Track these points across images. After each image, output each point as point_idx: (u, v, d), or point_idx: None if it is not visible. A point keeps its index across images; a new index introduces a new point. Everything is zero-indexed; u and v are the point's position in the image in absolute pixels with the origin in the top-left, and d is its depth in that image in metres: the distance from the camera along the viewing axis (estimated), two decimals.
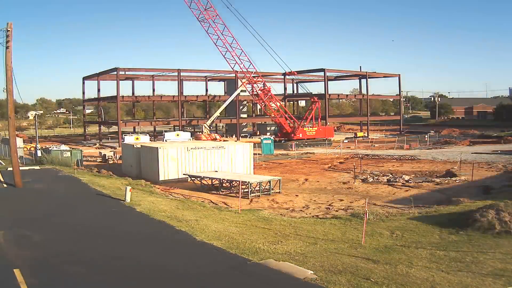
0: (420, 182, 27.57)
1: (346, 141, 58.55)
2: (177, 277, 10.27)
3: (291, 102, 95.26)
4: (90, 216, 17.05)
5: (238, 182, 23.76)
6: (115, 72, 63.16)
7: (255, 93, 57.93)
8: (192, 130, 70.40)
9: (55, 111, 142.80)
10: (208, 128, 62.50)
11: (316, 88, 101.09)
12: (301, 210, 20.31)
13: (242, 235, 13.89)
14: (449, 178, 28.58)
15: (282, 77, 79.65)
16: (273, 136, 58.65)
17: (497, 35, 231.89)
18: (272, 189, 24.78)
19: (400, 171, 32.31)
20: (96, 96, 74.24)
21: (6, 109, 28.26)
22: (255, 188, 24.36)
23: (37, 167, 33.98)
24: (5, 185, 24.92)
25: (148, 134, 58.52)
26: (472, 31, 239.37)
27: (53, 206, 19.13)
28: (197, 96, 77.23)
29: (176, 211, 18.07)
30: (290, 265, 10.75)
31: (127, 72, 70.32)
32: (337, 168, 35.61)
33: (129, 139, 49.51)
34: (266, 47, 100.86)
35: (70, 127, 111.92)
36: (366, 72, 79.44)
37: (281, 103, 65.18)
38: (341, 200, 22.52)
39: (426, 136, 60.95)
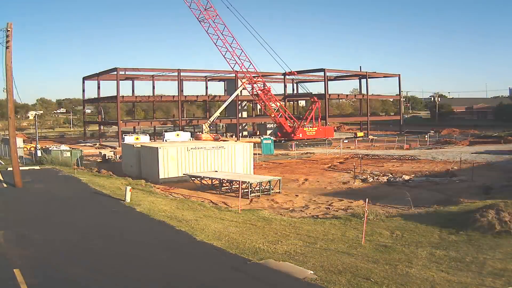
0: (420, 182, 27.57)
1: (346, 141, 58.53)
2: (177, 277, 10.27)
3: (291, 102, 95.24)
4: (90, 216, 17.05)
5: (238, 182, 23.76)
6: (115, 72, 63.16)
7: (255, 93, 57.90)
8: (192, 130, 70.40)
9: (55, 111, 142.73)
10: (208, 128, 62.48)
11: (316, 88, 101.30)
12: (301, 210, 20.31)
13: (242, 235, 13.89)
14: (449, 178, 28.59)
15: (282, 77, 79.65)
16: (273, 136, 58.63)
17: (497, 35, 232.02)
18: (272, 189, 24.79)
19: (400, 171, 32.31)
20: (96, 96, 74.29)
21: (6, 109, 28.24)
22: (255, 188, 24.37)
23: (37, 167, 33.99)
24: (5, 185, 24.92)
25: (148, 134, 58.53)
26: (472, 31, 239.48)
27: (53, 206, 19.14)
28: (197, 96, 77.23)
29: (176, 211, 18.07)
30: (290, 265, 10.76)
31: (127, 72, 70.31)
32: (337, 168, 35.61)
33: (129, 139, 49.54)
34: (266, 47, 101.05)
35: (70, 127, 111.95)
36: (366, 72, 79.44)
37: (281, 103, 65.15)
38: (341, 200, 22.51)
39: (426, 136, 60.95)
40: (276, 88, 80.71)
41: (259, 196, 23.80)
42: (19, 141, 41.08)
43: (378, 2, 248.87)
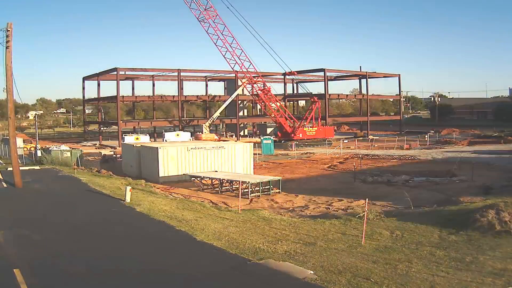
0: (420, 182, 27.57)
1: (346, 141, 58.58)
2: (177, 277, 10.27)
3: (291, 102, 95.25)
4: (90, 216, 17.04)
5: (238, 182, 23.76)
6: (115, 72, 63.19)
7: (255, 93, 57.91)
8: (192, 130, 70.42)
9: (55, 111, 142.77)
10: (208, 128, 62.48)
11: (316, 88, 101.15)
12: (301, 210, 20.31)
13: (242, 235, 13.89)
14: (449, 178, 28.59)
15: (282, 77, 79.66)
16: (273, 136, 58.64)
17: (497, 35, 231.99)
18: (272, 189, 24.79)
19: (400, 171, 32.31)
20: (96, 96, 74.30)
21: (6, 109, 28.25)
22: (255, 188, 24.37)
23: (37, 167, 34.00)
24: (5, 185, 24.92)
25: (148, 134, 58.53)
26: (472, 31, 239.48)
27: (53, 206, 19.14)
28: (197, 96, 77.24)
29: (176, 211, 18.07)
30: (290, 265, 10.75)
31: (127, 72, 70.35)
32: (337, 168, 35.61)
33: (129, 139, 49.55)
34: (266, 47, 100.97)
35: (70, 127, 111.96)
36: (366, 72, 79.45)
37: (281, 103, 65.16)
38: (341, 200, 22.51)
39: (426, 136, 60.94)
40: (276, 88, 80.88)
41: (259, 196, 23.80)
42: (19, 141, 41.12)
43: (378, 2, 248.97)
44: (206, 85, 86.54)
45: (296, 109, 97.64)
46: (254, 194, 23.79)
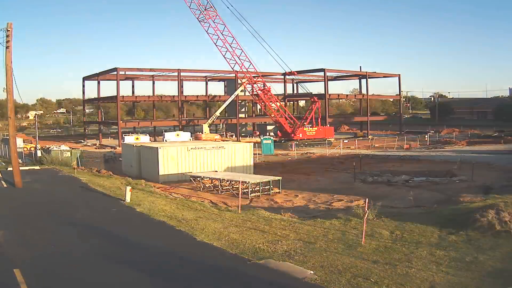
0: (420, 182, 27.56)
1: (346, 141, 58.60)
2: (177, 277, 10.28)
3: (291, 102, 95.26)
4: (90, 216, 17.05)
5: (238, 182, 23.77)
6: (115, 72, 63.21)
7: (255, 93, 57.91)
8: (192, 130, 70.43)
9: (55, 111, 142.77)
10: (208, 128, 62.49)
11: (316, 88, 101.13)
12: (301, 210, 20.30)
13: (242, 235, 13.89)
14: (449, 178, 28.58)
15: (282, 77, 79.68)
16: (273, 136, 58.64)
17: (497, 35, 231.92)
18: (272, 189, 24.79)
19: (400, 171, 32.30)
20: (96, 96, 74.30)
21: (6, 109, 28.26)
22: (255, 188, 24.37)
23: (37, 167, 34.01)
24: (5, 185, 24.93)
25: (148, 134, 58.53)
26: (472, 31, 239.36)
27: (53, 206, 19.14)
28: (197, 96, 77.23)
29: (176, 211, 18.07)
30: (290, 265, 10.75)
31: (127, 72, 70.37)
32: (337, 168, 35.61)
33: (129, 139, 49.54)
34: (266, 47, 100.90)
35: (70, 127, 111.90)
36: (366, 72, 79.44)
37: (281, 103, 65.16)
38: (341, 200, 22.52)
39: (426, 136, 60.94)
40: (276, 88, 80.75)
41: (259, 196, 23.80)
42: (19, 141, 41.11)
43: (378, 2, 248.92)
44: (206, 85, 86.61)
45: (296, 109, 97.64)
46: (254, 194, 23.79)
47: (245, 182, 24.37)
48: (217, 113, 64.47)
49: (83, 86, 76.97)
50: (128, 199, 19.61)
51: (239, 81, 64.26)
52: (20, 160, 29.76)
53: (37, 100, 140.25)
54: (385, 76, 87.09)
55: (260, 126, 77.01)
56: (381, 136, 70.02)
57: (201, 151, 30.65)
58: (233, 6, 52.52)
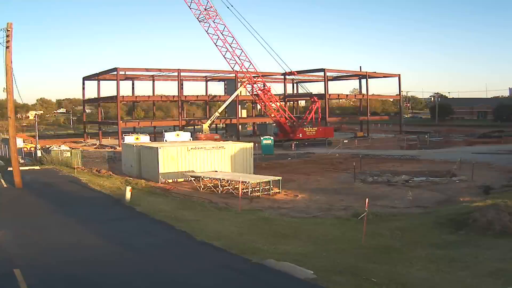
0: (420, 182, 27.57)
1: (346, 141, 58.58)
2: (177, 277, 10.27)
3: (291, 102, 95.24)
4: (90, 216, 17.06)
5: (238, 182, 23.76)
6: (115, 72, 63.17)
7: (255, 93, 57.89)
8: (192, 130, 70.41)
9: (55, 111, 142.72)
10: (208, 128, 62.45)
11: (316, 88, 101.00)
12: (301, 210, 20.31)
13: (242, 235, 13.90)
14: (449, 178, 28.59)
15: (282, 77, 79.61)
16: (273, 136, 58.60)
17: (497, 35, 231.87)
18: (272, 189, 24.79)
19: (400, 171, 32.30)
20: (96, 96, 74.28)
21: (6, 109, 28.26)
22: (255, 188, 24.37)
23: (37, 167, 34.03)
24: (5, 185, 24.93)
25: (148, 134, 58.50)
26: (472, 31, 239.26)
27: (53, 206, 19.15)
28: (197, 96, 77.18)
29: (176, 211, 18.08)
30: (290, 265, 10.74)
31: (127, 72, 70.32)
32: (337, 168, 35.61)
33: (129, 139, 49.52)
34: (266, 47, 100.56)
35: (70, 127, 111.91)
36: (366, 72, 79.40)
37: (281, 103, 65.16)
38: (341, 200, 22.52)
39: (426, 136, 60.94)
40: (276, 88, 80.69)
41: (259, 196, 23.79)
42: (19, 141, 41.12)
43: (378, 2, 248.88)
44: (206, 85, 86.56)
45: (296, 109, 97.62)
46: (254, 194, 23.78)
47: (245, 182, 24.36)
48: (217, 113, 64.46)
49: (83, 86, 76.96)
50: (128, 199, 19.61)
51: (239, 81, 64.23)
52: (20, 159, 29.75)
53: (37, 100, 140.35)
54: (385, 76, 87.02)
55: (260, 126, 76.96)
56: (381, 136, 69.98)
57: (201, 151, 30.64)
58: (233, 6, 52.23)
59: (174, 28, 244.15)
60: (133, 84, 79.70)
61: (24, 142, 51.90)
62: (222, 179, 25.92)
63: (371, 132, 75.73)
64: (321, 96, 71.87)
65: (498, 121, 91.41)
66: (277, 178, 25.85)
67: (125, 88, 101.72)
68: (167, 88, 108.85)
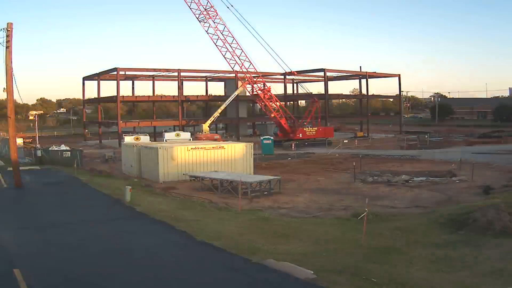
0: (420, 182, 27.57)
1: (346, 141, 58.58)
2: (177, 277, 10.28)
3: (291, 102, 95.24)
4: (90, 216, 17.06)
5: (238, 182, 23.76)
6: (115, 72, 63.19)
7: (255, 93, 57.89)
8: (192, 130, 70.39)
9: (55, 111, 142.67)
10: (208, 128, 62.44)
11: (316, 88, 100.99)
12: (301, 210, 20.31)
13: (242, 235, 13.90)
14: (449, 178, 28.59)
15: (282, 77, 79.63)
16: (273, 136, 58.60)
17: (497, 35, 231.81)
18: (272, 189, 24.79)
19: (400, 171, 32.30)
20: (96, 96, 74.29)
21: (6, 109, 28.24)
22: (255, 188, 24.37)
23: (37, 167, 34.03)
24: (5, 185, 24.94)
25: (148, 134, 58.50)
26: (472, 31, 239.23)
27: (53, 206, 19.16)
28: (197, 96, 77.18)
29: (176, 211, 18.08)
30: (290, 265, 10.74)
31: (127, 72, 70.33)
32: (337, 168, 35.60)
33: (129, 139, 49.48)
34: (266, 47, 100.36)
35: (70, 127, 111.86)
36: (366, 72, 79.44)
37: (281, 103, 65.14)
38: (341, 200, 22.52)
39: (426, 136, 60.93)
40: (276, 88, 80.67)
41: (259, 196, 23.78)
42: (19, 141, 41.11)
43: (378, 2, 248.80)
44: (206, 85, 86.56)
45: (296, 109, 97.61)
46: (254, 194, 23.78)
47: (245, 182, 24.36)
48: (217, 113, 64.43)
49: (83, 86, 77.01)
50: (128, 199, 19.62)
51: (239, 81, 64.19)
52: (20, 159, 29.74)
53: (37, 100, 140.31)
54: (385, 76, 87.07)
55: (260, 126, 76.96)
56: (381, 136, 69.97)
57: (201, 151, 30.65)
58: (233, 6, 52.24)
59: (174, 28, 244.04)
60: (133, 84, 79.76)
61: (24, 142, 51.87)
62: (222, 179, 25.92)
63: (371, 132, 75.74)
64: (321, 96, 71.87)
65: (498, 121, 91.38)
66: (277, 178, 25.86)
67: (125, 88, 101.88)
68: (167, 88, 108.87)
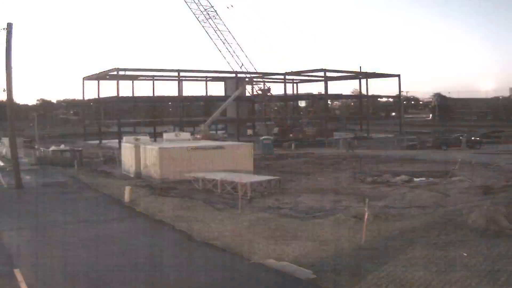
0: (420, 182, 27.55)
1: (347, 139, 58.62)
2: (177, 277, 10.29)
3: (291, 102, 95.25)
4: (90, 217, 17.07)
5: (238, 182, 23.74)
6: (115, 72, 63.21)
7: (255, 93, 57.96)
8: (192, 130, 70.41)
9: (55, 111, 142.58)
10: (208, 128, 62.48)
11: (316, 88, 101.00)
12: (301, 210, 20.29)
13: (242, 235, 13.90)
14: (448, 178, 28.58)
15: (282, 77, 79.68)
16: (273, 136, 58.66)
17: (497, 34, 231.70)
18: (272, 189, 24.78)
19: (400, 171, 32.28)
20: (96, 96, 74.33)
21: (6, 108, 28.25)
22: (255, 188, 24.34)
23: (37, 167, 34.02)
24: (5, 185, 24.94)
25: (148, 134, 58.49)
26: (472, 30, 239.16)
27: (53, 206, 19.16)
28: (197, 96, 77.18)
29: (175, 211, 18.08)
30: (290, 265, 10.76)
31: (127, 72, 70.38)
32: (337, 168, 35.59)
33: (129, 139, 49.47)
34: (266, 47, 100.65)
35: (70, 127, 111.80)
36: (366, 72, 79.47)
37: (281, 103, 65.23)
38: (341, 200, 22.49)
39: (425, 136, 60.95)
40: (276, 88, 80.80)
41: (259, 196, 23.77)
42: (19, 141, 41.06)
43: (378, 2, 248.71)
44: (206, 85, 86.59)
45: (296, 109, 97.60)
46: (254, 194, 23.75)
47: (245, 182, 24.34)
48: (217, 113, 64.48)
49: (83, 86, 77.08)
50: (127, 199, 19.63)
51: (239, 81, 64.27)
52: (20, 160, 29.74)
53: (37, 100, 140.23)
54: (385, 76, 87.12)
55: (260, 126, 76.97)
56: (381, 136, 69.99)
57: (201, 151, 30.64)
58: (233, 6, 52.43)
59: (174, 28, 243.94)
60: (133, 84, 79.78)
61: (24, 142, 51.86)
62: (222, 179, 25.90)
63: (371, 132, 75.73)
64: (321, 96, 71.90)
65: (498, 121, 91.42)
66: (277, 178, 25.85)
67: (125, 88, 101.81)
68: (167, 88, 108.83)
